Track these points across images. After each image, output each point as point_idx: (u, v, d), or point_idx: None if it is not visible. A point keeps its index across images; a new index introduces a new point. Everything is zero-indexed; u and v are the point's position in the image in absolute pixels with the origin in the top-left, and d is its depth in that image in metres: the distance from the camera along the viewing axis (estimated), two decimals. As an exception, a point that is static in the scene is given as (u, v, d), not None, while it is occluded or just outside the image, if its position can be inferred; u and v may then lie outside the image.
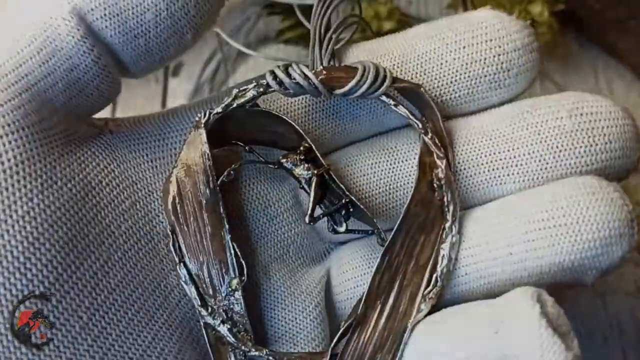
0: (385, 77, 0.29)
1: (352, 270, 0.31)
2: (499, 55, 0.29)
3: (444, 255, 0.28)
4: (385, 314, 0.28)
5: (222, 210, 0.28)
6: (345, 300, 0.31)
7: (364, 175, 0.32)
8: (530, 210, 0.27)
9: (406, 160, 0.31)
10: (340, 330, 0.28)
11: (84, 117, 0.28)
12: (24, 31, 0.25)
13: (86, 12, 0.26)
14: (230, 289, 0.28)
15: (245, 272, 0.28)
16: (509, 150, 0.29)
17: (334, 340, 0.28)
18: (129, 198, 0.28)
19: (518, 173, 0.29)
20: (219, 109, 0.29)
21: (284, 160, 0.30)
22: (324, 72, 0.29)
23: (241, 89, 0.29)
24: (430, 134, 0.29)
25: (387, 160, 0.32)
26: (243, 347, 0.28)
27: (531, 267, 0.27)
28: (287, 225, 0.32)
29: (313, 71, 0.29)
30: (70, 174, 0.26)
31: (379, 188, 0.31)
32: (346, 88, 0.29)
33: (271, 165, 0.30)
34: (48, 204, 0.25)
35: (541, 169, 0.28)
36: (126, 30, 0.26)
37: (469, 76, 0.30)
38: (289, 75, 0.29)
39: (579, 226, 0.26)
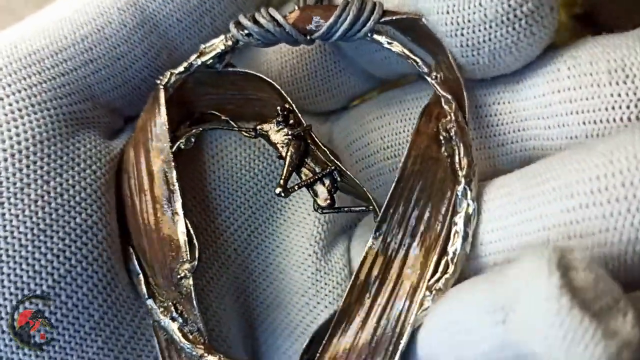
0: (372, 10, 0.23)
1: (359, 245, 0.26)
2: None
3: (456, 232, 0.21)
4: (377, 311, 0.22)
5: (174, 180, 0.23)
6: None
7: (360, 138, 0.26)
8: (574, 177, 0.20)
9: (379, 125, 0.26)
10: (312, 333, 0.23)
11: (125, 112, 0.26)
12: (71, 18, 0.25)
13: (145, 0, 0.25)
14: (179, 276, 0.23)
15: (197, 254, 0.23)
16: (541, 97, 0.22)
17: (304, 345, 0.23)
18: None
19: (556, 125, 0.22)
20: (181, 68, 0.25)
21: (260, 127, 0.25)
22: (298, 13, 0.24)
23: (207, 45, 0.25)
24: (434, 74, 0.23)
25: (392, 118, 0.26)
26: (194, 352, 0.22)
27: None
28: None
29: (284, 15, 0.24)
30: (97, 154, 0.24)
31: (379, 153, 0.26)
32: (324, 29, 0.23)
33: (246, 134, 0.25)
34: (67, 187, 0.23)
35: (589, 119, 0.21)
36: (189, 10, 0.25)
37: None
38: (256, 22, 0.24)
39: None
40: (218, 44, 0.25)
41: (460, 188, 0.22)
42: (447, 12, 0.22)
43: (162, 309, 0.23)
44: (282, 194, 0.23)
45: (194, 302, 0.23)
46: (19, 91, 0.23)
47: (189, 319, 0.23)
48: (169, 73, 0.25)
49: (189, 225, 0.23)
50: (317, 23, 0.24)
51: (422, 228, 0.22)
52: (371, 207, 0.23)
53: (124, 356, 0.23)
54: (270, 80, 0.25)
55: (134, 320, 0.24)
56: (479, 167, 0.22)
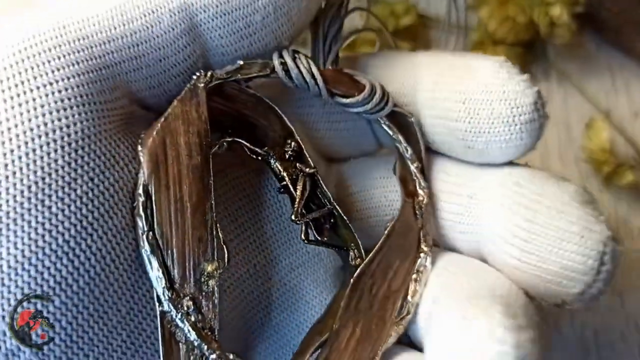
0: (388, 99, 0.28)
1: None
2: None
3: (415, 286, 0.27)
4: (357, 336, 0.26)
5: (210, 181, 0.24)
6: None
7: (363, 191, 0.30)
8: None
9: (386, 185, 0.30)
10: (313, 348, 0.26)
11: (151, 107, 0.26)
12: (122, 9, 0.24)
13: (197, 9, 0.25)
14: (204, 274, 0.24)
15: (226, 257, 0.24)
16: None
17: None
18: None
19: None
20: (223, 74, 0.26)
21: (270, 152, 0.28)
22: (331, 73, 0.27)
23: (247, 62, 0.26)
24: (417, 163, 0.28)
25: (396, 181, 0.30)
26: (206, 349, 0.23)
27: None
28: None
29: (320, 70, 0.27)
30: (132, 153, 0.24)
31: (379, 209, 0.30)
32: (352, 100, 0.27)
33: (254, 155, 0.28)
34: (107, 186, 0.23)
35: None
36: (234, 30, 0.26)
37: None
38: (297, 67, 0.27)
39: None
40: (255, 66, 0.26)
41: (422, 255, 0.27)
42: (463, 103, 0.27)
43: (175, 301, 0.23)
44: (297, 221, 0.27)
45: (216, 302, 0.23)
46: (68, 78, 0.22)
47: (206, 316, 0.23)
48: (209, 74, 0.25)
49: (219, 229, 0.24)
50: (342, 90, 0.27)
51: (390, 275, 0.27)
52: (351, 248, 0.28)
53: (143, 350, 0.24)
54: (282, 115, 0.27)
55: (155, 319, 0.24)
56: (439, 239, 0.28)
